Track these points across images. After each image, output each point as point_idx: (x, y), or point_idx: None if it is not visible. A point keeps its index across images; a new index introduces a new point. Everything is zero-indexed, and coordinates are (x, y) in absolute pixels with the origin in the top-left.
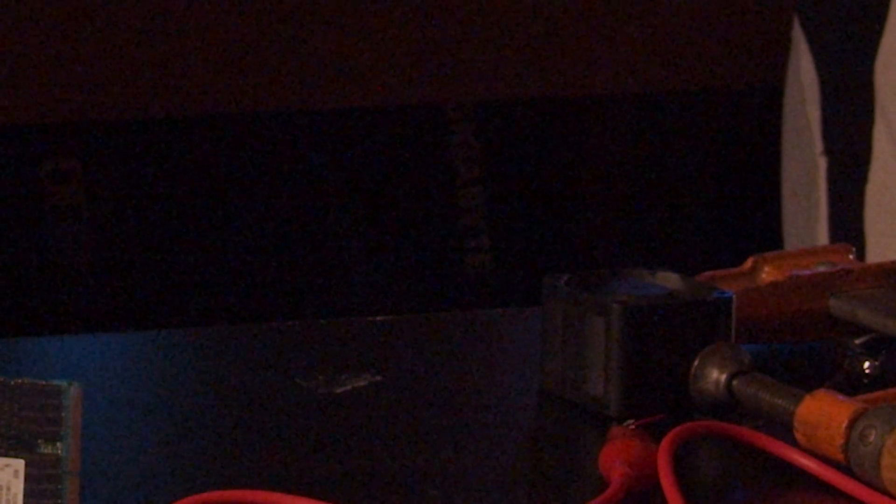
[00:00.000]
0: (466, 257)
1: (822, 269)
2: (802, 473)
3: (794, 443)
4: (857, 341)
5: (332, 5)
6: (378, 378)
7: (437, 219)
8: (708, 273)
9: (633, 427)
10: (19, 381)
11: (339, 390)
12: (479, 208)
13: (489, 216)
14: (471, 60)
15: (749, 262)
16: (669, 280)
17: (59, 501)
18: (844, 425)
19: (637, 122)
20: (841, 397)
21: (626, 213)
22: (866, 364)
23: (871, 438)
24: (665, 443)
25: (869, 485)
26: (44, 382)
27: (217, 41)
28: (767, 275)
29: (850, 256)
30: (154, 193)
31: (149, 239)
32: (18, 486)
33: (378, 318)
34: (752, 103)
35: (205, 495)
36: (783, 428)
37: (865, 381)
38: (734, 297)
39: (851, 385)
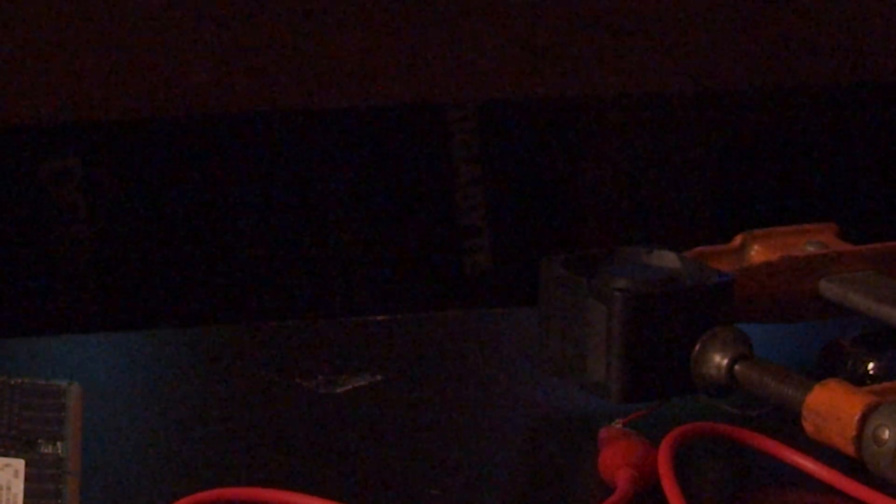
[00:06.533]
0: (466, 257)
1: (811, 248)
2: (802, 474)
3: (793, 439)
4: (855, 336)
5: (332, 5)
6: (378, 378)
7: (436, 219)
8: (697, 249)
9: (620, 426)
10: (19, 381)
11: (339, 390)
12: (479, 208)
13: (489, 216)
14: (471, 60)
15: (738, 239)
16: (666, 259)
17: (59, 501)
18: (857, 418)
19: (638, 122)
20: (853, 388)
21: (627, 212)
22: (871, 365)
23: (886, 437)
24: (665, 444)
25: (883, 483)
26: (44, 382)
27: (217, 41)
28: (757, 253)
29: (836, 236)
30: (154, 193)
31: (149, 239)
32: (18, 486)
33: (378, 318)
34: (753, 105)
35: (205, 494)
36: (787, 415)
37: (869, 381)
38: (734, 279)
39: (853, 384)
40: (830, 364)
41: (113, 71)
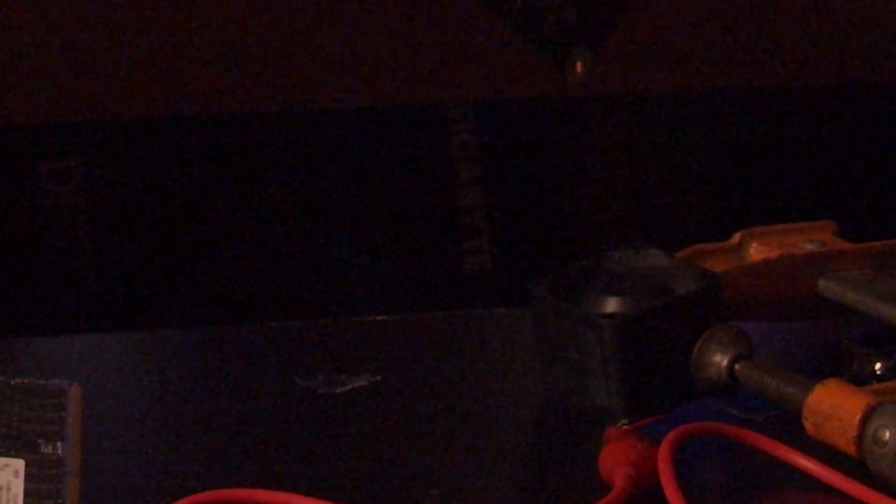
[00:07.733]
0: (466, 258)
1: (810, 247)
2: (802, 474)
3: (793, 438)
4: (860, 336)
5: (332, 5)
6: (378, 378)
7: (436, 219)
8: (698, 247)
9: (626, 427)
10: (19, 381)
11: (339, 390)
12: (479, 208)
13: (489, 216)
14: (471, 60)
15: (736, 237)
16: (656, 259)
17: (60, 501)
18: (858, 418)
19: (638, 122)
20: (853, 388)
21: (627, 212)
22: (878, 365)
23: (886, 438)
24: (665, 443)
25: (885, 483)
26: (44, 382)
27: (217, 41)
28: (756, 251)
29: (834, 234)
30: (154, 193)
31: (149, 239)
32: (19, 486)
33: (378, 318)
34: (753, 105)
35: (205, 495)
36: (787, 415)
37: (876, 381)
38: (720, 277)
39: (858, 383)
40: (834, 364)
41: (113, 71)
